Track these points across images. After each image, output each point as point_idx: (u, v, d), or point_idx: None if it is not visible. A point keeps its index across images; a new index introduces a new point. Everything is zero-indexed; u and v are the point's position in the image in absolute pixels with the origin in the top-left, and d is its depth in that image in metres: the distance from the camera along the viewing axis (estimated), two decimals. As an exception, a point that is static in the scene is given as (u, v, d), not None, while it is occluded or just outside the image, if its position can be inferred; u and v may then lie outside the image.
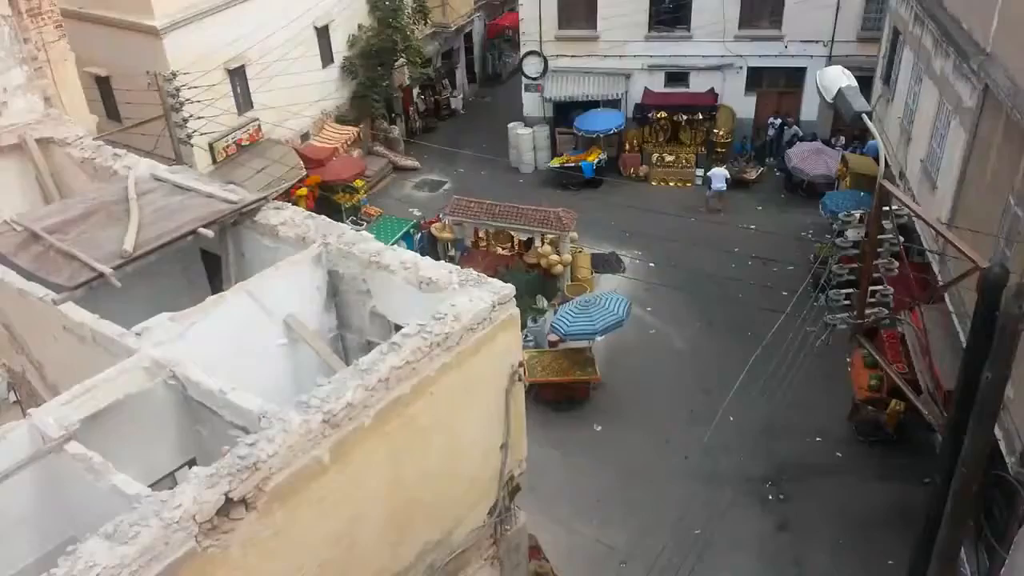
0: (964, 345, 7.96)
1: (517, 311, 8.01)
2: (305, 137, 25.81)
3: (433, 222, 22.78)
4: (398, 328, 7.62)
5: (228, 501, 5.71)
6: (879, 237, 9.26)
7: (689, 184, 26.36)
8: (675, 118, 26.53)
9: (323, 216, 9.03)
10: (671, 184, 26.50)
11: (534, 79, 27.57)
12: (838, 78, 9.27)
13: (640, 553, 13.18)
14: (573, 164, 26.38)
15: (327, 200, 24.34)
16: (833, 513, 15.16)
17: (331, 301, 8.74)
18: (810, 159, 24.56)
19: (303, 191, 23.52)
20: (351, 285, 8.60)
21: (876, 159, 12.87)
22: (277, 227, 8.82)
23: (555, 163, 27.05)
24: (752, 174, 26.24)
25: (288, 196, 22.40)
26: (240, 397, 6.59)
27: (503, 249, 21.73)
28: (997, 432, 11.34)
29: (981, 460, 7.14)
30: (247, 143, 23.25)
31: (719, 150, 26.61)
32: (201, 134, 20.89)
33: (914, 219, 11.08)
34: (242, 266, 9.07)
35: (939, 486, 7.58)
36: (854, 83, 9.28)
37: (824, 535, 14.80)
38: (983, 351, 6.81)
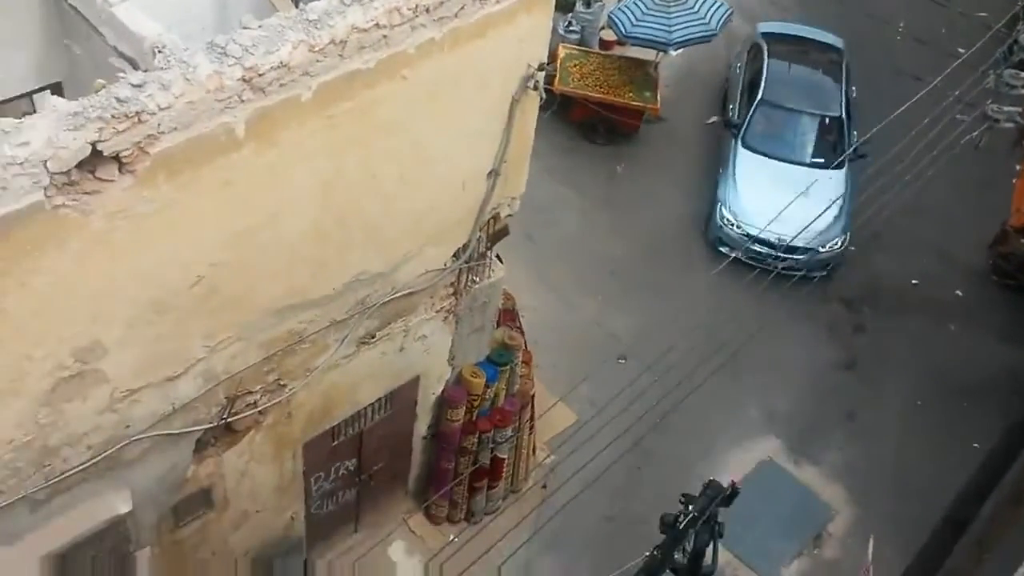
0: None
1: (554, -14, 7.84)
2: None
3: None
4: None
5: (96, 154, 5.92)
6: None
7: None
8: None
9: None
10: None
11: None
12: None
13: (645, 353, 13.84)
14: None
15: None
16: (921, 365, 15.73)
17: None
18: None
19: None
20: None
21: None
22: None
23: None
24: None
25: None
26: (130, 14, 6.54)
27: None
28: None
29: None
30: None
31: None
32: None
33: None
34: None
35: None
36: None
37: (900, 389, 15.40)
38: None
